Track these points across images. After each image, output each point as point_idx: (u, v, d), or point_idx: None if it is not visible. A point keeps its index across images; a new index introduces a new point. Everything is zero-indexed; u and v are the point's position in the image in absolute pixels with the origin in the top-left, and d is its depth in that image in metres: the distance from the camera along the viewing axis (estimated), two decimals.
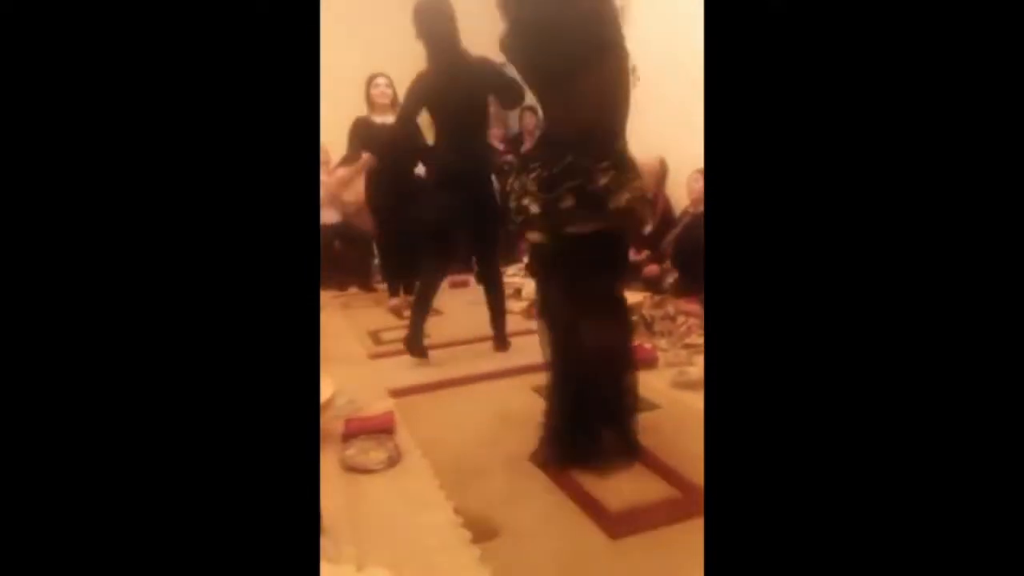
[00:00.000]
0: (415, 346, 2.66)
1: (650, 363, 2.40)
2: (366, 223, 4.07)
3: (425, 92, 2.50)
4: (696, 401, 2.08)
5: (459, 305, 3.63)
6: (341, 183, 4.09)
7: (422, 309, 2.67)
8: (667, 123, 3.91)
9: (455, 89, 2.44)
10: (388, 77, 3.46)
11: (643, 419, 1.87)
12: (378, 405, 2.17)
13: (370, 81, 3.46)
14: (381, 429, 1.91)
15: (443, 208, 2.56)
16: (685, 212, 3.61)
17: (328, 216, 4.23)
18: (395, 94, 3.43)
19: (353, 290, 4.34)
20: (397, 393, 2.31)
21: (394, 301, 3.73)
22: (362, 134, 3.47)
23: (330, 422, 1.95)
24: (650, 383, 2.22)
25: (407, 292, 3.73)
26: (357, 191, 3.99)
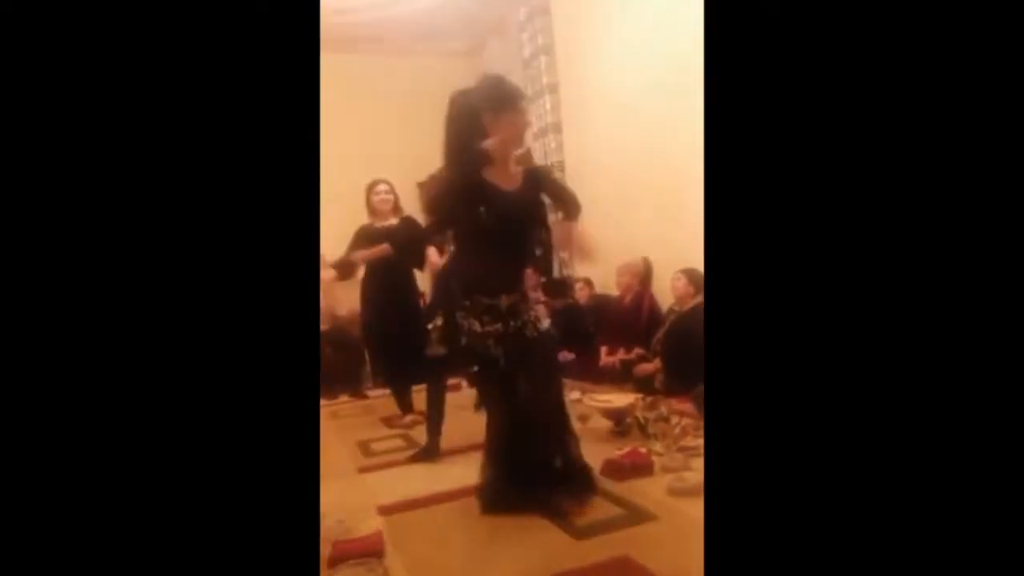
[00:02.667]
0: (430, 455, 2.77)
1: (645, 469, 2.35)
2: (357, 330, 4.08)
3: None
4: (696, 510, 2.02)
5: (450, 410, 3.58)
6: (333, 296, 4.10)
7: (438, 412, 2.81)
8: (650, 223, 4.05)
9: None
10: (388, 183, 3.45)
11: (639, 532, 1.82)
12: (367, 524, 2.09)
13: (370, 188, 3.43)
14: (370, 552, 1.84)
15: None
16: (671, 311, 3.67)
17: (320, 322, 4.26)
18: (396, 199, 3.43)
19: (344, 398, 4.30)
20: (386, 510, 2.24)
21: (408, 419, 3.47)
22: (364, 240, 3.41)
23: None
24: (646, 491, 2.17)
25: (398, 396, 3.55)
26: (350, 306, 4.01)
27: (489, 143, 1.96)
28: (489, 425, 2.19)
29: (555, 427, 2.09)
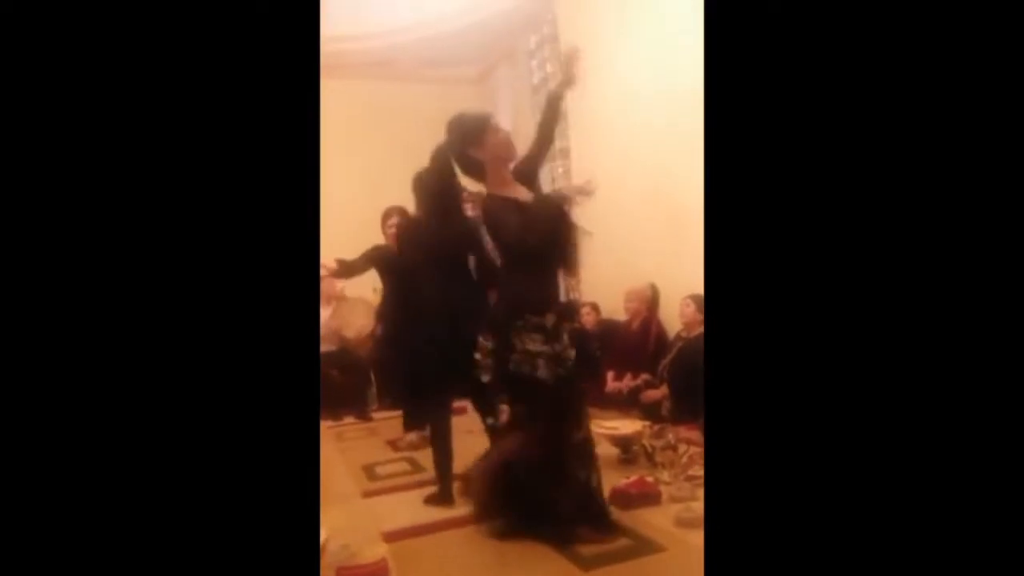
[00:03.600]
0: (445, 498, 2.54)
1: (653, 499, 2.33)
2: (364, 351, 4.07)
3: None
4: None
5: (456, 435, 3.55)
6: (341, 319, 4.09)
7: (447, 455, 2.58)
8: (658, 249, 4.06)
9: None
10: (402, 211, 3.40)
11: (646, 563, 1.80)
12: (372, 551, 2.08)
13: (384, 220, 3.48)
14: None
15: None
16: (678, 337, 3.66)
17: (325, 344, 4.25)
18: None
19: (349, 420, 4.28)
20: (391, 536, 2.22)
21: (411, 436, 3.49)
22: (376, 259, 3.43)
23: (323, 572, 1.85)
24: (654, 521, 2.15)
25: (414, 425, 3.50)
26: (357, 327, 3.98)
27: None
28: (509, 449, 2.11)
29: (582, 458, 2.07)
